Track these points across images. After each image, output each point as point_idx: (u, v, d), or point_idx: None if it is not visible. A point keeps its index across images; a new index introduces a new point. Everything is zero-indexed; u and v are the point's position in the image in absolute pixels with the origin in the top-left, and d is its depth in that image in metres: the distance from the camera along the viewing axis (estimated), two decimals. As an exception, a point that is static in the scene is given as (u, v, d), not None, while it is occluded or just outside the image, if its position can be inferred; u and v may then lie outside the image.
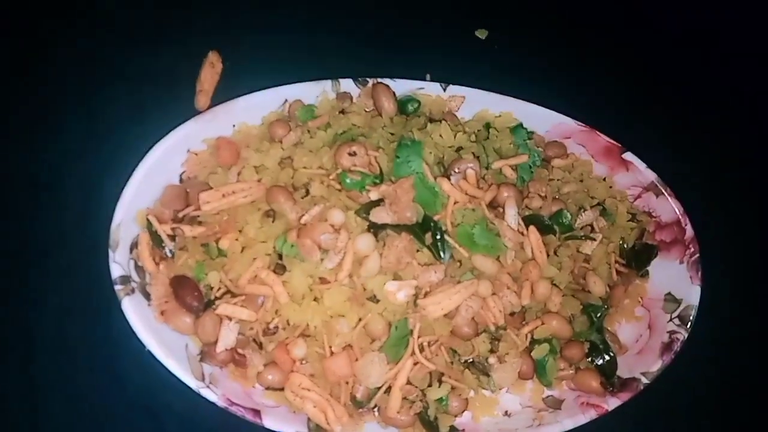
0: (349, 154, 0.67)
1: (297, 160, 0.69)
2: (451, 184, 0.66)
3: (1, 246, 0.72)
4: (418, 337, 0.66)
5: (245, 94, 0.73)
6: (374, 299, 0.65)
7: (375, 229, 0.65)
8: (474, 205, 0.68)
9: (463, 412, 0.69)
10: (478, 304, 0.66)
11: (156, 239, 0.66)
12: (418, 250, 0.66)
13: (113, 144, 0.73)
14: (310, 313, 0.65)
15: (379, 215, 0.64)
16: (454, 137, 0.71)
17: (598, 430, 0.70)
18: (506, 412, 0.73)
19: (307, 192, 0.67)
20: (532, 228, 0.69)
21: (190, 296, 0.65)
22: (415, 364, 0.66)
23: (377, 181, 0.67)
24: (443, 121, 0.72)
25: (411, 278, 0.65)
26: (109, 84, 0.78)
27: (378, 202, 0.65)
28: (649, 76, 0.89)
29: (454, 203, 0.67)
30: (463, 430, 0.70)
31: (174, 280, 0.66)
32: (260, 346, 0.67)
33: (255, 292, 0.65)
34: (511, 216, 0.68)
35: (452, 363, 0.68)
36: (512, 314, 0.69)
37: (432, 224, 0.66)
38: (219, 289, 0.66)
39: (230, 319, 0.64)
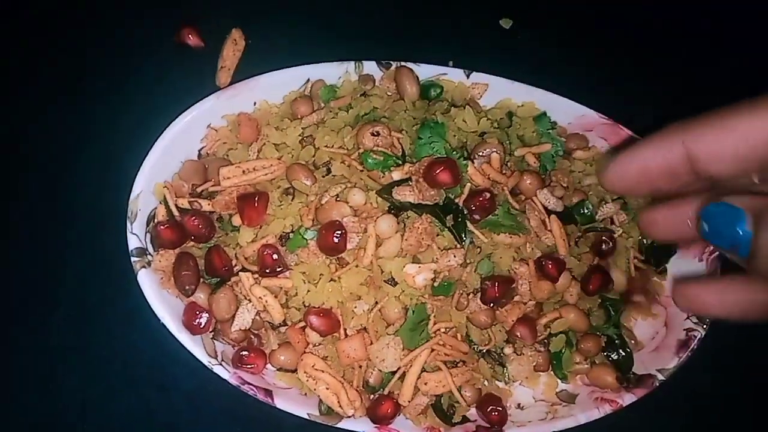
0: (372, 134, 0.66)
1: (318, 138, 0.68)
2: (475, 168, 0.66)
3: (18, 215, 0.71)
4: (434, 323, 0.65)
5: (267, 72, 0.72)
6: (392, 282, 0.64)
7: (396, 210, 0.64)
8: (496, 190, 0.67)
9: (475, 402, 0.68)
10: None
11: (169, 213, 0.65)
12: (438, 234, 0.65)
13: (133, 117, 0.73)
14: (327, 294, 0.64)
15: (402, 193, 0.63)
16: (478, 123, 0.71)
17: (612, 426, 0.70)
18: (519, 404, 0.72)
19: (328, 171, 0.67)
20: (553, 217, 0.68)
21: (185, 277, 0.63)
22: (431, 351, 0.65)
23: (399, 162, 0.66)
24: (467, 107, 0.71)
25: (431, 261, 0.64)
26: (132, 57, 0.77)
27: (400, 182, 0.64)
28: (676, 71, 0.88)
29: (476, 186, 0.66)
30: (476, 420, 0.69)
31: (177, 257, 0.65)
32: (272, 326, 0.67)
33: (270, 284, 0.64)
34: (543, 196, 0.68)
35: (466, 352, 0.67)
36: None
37: (453, 207, 0.65)
38: (235, 265, 0.66)
39: (249, 300, 0.63)
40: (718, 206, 0.34)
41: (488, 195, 0.64)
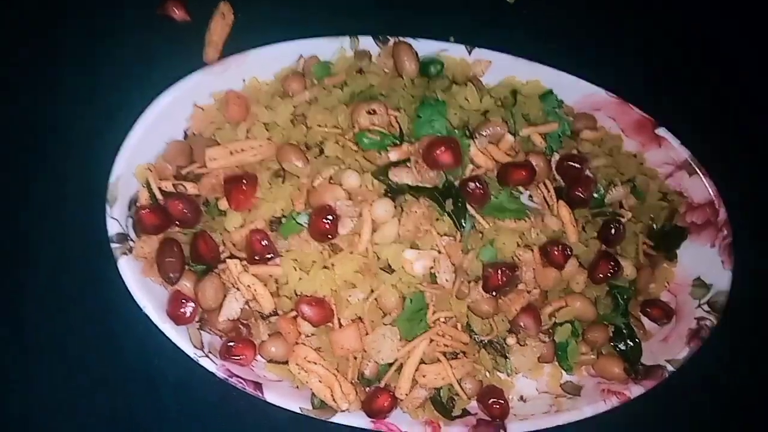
0: (368, 113, 0.62)
1: (311, 117, 0.64)
2: (478, 148, 0.62)
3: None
4: (433, 312, 0.62)
5: (257, 47, 0.68)
6: (388, 269, 0.61)
7: (393, 193, 0.61)
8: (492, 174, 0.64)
9: (476, 395, 0.65)
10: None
11: (152, 197, 0.62)
12: (437, 219, 0.61)
13: (116, 95, 0.69)
14: (319, 282, 0.61)
15: (399, 174, 0.60)
16: (480, 101, 0.67)
17: (619, 419, 0.67)
18: (521, 396, 0.69)
19: (321, 152, 0.63)
20: (561, 202, 0.65)
21: (169, 264, 0.60)
22: (430, 341, 0.62)
23: (397, 141, 0.62)
24: (469, 84, 0.67)
25: (429, 248, 0.61)
26: (114, 32, 0.73)
27: (398, 163, 0.60)
28: (686, 47, 0.84)
29: (478, 168, 0.62)
30: (476, 413, 0.66)
31: (161, 243, 0.62)
32: (262, 316, 0.64)
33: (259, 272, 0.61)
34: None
35: (467, 343, 0.64)
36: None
37: (453, 190, 0.61)
38: (222, 252, 0.62)
39: (237, 288, 0.60)
40: None
41: (479, 184, 0.60)
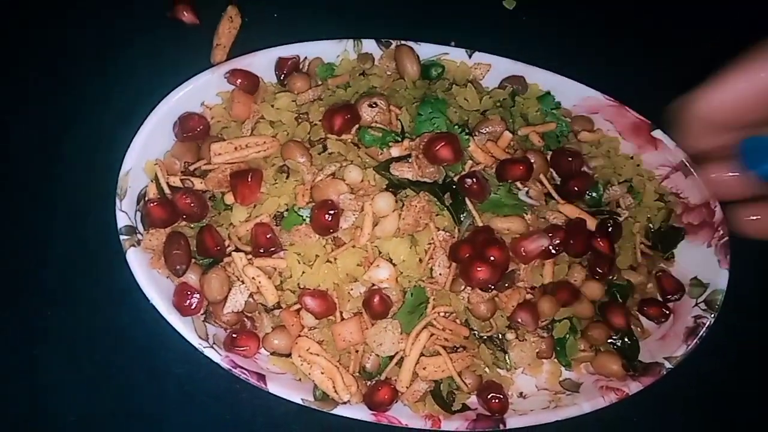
0: (370, 106, 0.64)
1: (314, 114, 0.66)
2: (477, 145, 0.63)
3: (6, 191, 0.70)
4: (434, 307, 0.63)
5: (262, 49, 0.70)
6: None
7: (394, 188, 0.62)
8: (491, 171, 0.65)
9: (476, 390, 0.66)
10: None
11: (160, 191, 0.63)
12: (437, 214, 0.63)
13: (127, 94, 0.71)
14: (322, 275, 0.62)
15: (400, 170, 0.61)
16: (480, 101, 0.68)
17: (617, 415, 0.67)
18: (521, 393, 0.70)
19: (324, 148, 0.65)
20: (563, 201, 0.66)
21: (175, 256, 0.61)
22: (430, 335, 0.63)
23: (398, 138, 0.64)
24: (468, 84, 0.69)
25: (427, 242, 0.62)
26: (124, 33, 0.75)
27: (399, 159, 0.62)
28: (681, 51, 0.85)
29: (477, 164, 0.64)
30: (476, 408, 0.67)
31: (168, 236, 0.63)
32: (266, 309, 0.65)
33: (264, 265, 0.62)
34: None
35: (467, 337, 0.65)
36: (532, 288, 0.66)
37: (453, 186, 0.63)
38: (228, 245, 0.64)
39: (242, 281, 0.61)
40: None
41: (476, 179, 0.62)
